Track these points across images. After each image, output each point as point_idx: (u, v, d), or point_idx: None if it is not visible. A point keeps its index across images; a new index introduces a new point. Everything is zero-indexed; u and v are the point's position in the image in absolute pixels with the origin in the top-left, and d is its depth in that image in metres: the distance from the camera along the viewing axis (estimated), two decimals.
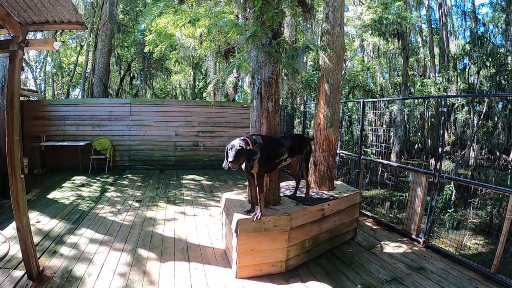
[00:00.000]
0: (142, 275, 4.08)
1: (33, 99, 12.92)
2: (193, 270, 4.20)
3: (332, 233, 4.85)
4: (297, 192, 4.86)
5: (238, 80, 4.98)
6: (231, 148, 3.66)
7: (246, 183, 6.56)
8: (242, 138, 3.81)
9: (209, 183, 9.15)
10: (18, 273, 4.16)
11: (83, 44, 20.05)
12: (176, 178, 9.59)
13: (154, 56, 12.57)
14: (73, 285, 3.88)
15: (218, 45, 6.52)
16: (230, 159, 3.60)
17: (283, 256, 4.16)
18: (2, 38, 4.32)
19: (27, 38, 3.96)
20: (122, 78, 22.39)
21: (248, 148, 3.69)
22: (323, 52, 5.19)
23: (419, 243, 5.17)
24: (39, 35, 16.47)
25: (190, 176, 9.85)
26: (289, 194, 4.86)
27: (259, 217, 3.87)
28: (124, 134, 11.11)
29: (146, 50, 11.45)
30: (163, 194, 7.77)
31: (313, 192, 5.05)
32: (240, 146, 3.63)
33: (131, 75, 22.90)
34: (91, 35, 16.59)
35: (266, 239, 4.04)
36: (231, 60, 5.38)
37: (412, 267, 4.44)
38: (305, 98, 16.21)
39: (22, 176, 3.97)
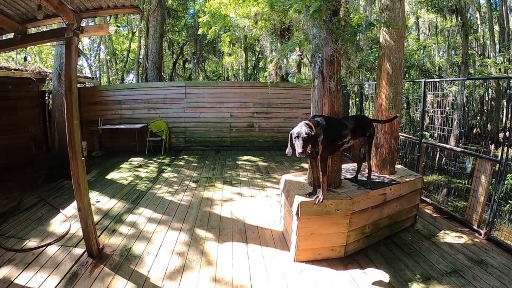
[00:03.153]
0: (200, 255, 4.11)
1: (89, 86, 13.38)
2: (251, 252, 4.19)
3: (392, 219, 4.64)
4: (358, 175, 4.64)
5: (301, 58, 4.76)
6: (298, 137, 3.48)
7: (302, 165, 6.30)
8: (305, 122, 3.63)
9: (265, 164, 9.08)
10: (79, 250, 4.34)
11: (134, 31, 20.56)
12: (231, 159, 9.62)
13: (208, 37, 12.64)
14: (132, 263, 3.99)
15: (273, 24, 6.34)
16: (299, 150, 3.43)
17: (343, 241, 4.04)
18: (57, 27, 4.41)
19: (81, 25, 4.03)
20: (175, 62, 22.81)
21: (313, 133, 3.51)
22: (384, 29, 4.88)
23: (480, 234, 4.83)
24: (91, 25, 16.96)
25: (245, 157, 9.86)
26: (350, 177, 4.68)
27: (321, 200, 3.74)
28: (179, 116, 11.29)
29: (200, 32, 11.47)
30: (219, 175, 7.82)
31: (374, 175, 4.85)
32: (306, 134, 3.47)
33: (184, 58, 23.18)
34: (142, 21, 16.87)
35: (327, 223, 3.93)
36: (292, 39, 5.16)
37: (472, 259, 4.15)
38: (360, 78, 15.69)
39: (83, 158, 4.04)
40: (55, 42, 7.91)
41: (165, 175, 7.88)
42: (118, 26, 15.13)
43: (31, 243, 4.60)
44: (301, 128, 3.51)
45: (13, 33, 4.40)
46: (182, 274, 3.70)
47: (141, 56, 18.19)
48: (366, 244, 4.33)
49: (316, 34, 4.01)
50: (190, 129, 11.36)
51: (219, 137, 11.41)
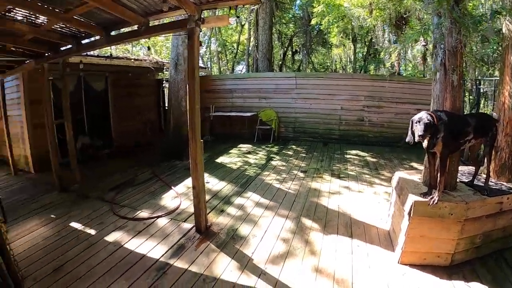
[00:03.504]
0: (304, 244, 4.17)
1: (202, 74, 14.21)
2: (355, 247, 4.13)
3: (506, 232, 4.17)
4: (474, 179, 4.29)
5: (426, 49, 4.53)
6: (419, 121, 3.38)
7: (412, 164, 6.02)
8: (428, 112, 3.48)
9: (374, 160, 8.81)
10: (187, 225, 4.74)
11: (243, 24, 21.15)
12: (339, 152, 9.52)
13: (321, 28, 12.57)
14: (237, 243, 4.22)
15: (388, 13, 6.09)
16: (420, 132, 3.34)
17: (451, 248, 3.76)
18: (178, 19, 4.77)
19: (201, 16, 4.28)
20: (284, 53, 23.00)
21: (434, 122, 3.37)
22: (508, 18, 4.37)
23: None
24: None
25: (353, 151, 9.67)
26: (466, 180, 4.33)
27: (436, 201, 3.56)
28: (289, 107, 11.45)
29: (313, 22, 11.48)
30: (327, 167, 7.80)
31: (491, 182, 4.40)
32: (428, 119, 3.35)
33: (293, 50, 23.27)
34: (251, 14, 17.29)
35: (438, 227, 3.70)
36: (415, 28, 4.92)
37: None
38: (476, 73, 14.26)
39: (201, 140, 4.34)
40: (170, 35, 8.58)
41: (273, 163, 8.11)
42: (237, 17, 15.77)
43: (143, 213, 5.20)
44: (422, 115, 3.40)
45: (136, 26, 4.86)
46: (285, 260, 3.80)
47: (251, 48, 18.82)
48: (474, 255, 3.95)
49: (438, 23, 3.79)
50: (299, 119, 11.44)
51: (328, 129, 11.30)
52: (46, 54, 6.66)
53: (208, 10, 5.02)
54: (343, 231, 4.52)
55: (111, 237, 4.56)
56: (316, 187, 6.19)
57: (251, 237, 4.34)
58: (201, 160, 4.44)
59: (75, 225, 5.05)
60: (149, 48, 14.80)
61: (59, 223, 5.09)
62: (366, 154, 9.39)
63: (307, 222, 4.76)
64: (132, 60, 11.39)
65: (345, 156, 9.09)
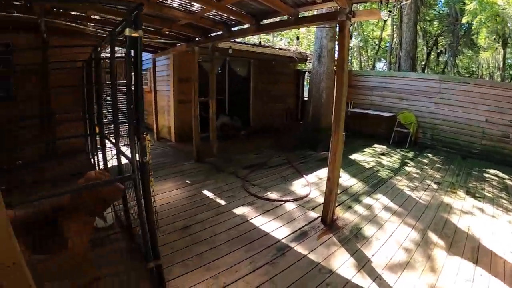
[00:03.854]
0: (426, 258, 4.04)
1: None
2: (477, 276, 3.87)
3: None
4: None
5: None
6: None
7: None
8: None
9: None
10: (313, 214, 4.94)
11: (386, 19, 20.17)
12: (478, 169, 8.70)
13: (472, 28, 11.51)
14: (359, 242, 4.29)
15: None
16: None
17: None
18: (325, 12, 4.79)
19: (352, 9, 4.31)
20: (429, 53, 21.48)
21: None
22: None
23: None
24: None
25: (493, 171, 8.74)
26: None
27: None
28: (430, 112, 10.77)
29: (464, 21, 10.57)
30: (463, 183, 7.25)
31: None
32: None
33: (438, 50, 21.58)
34: (395, 9, 16.43)
35: None
36: None
37: None
38: None
39: (343, 134, 4.46)
40: (315, 27, 8.64)
41: (407, 168, 7.88)
42: (389, 11, 15.13)
43: (272, 195, 5.59)
44: None
45: (286, 16, 5.11)
46: (403, 270, 3.75)
47: (393, 45, 17.99)
48: None
49: None
50: (439, 127, 10.69)
51: (469, 142, 10.28)
52: (197, 38, 7.32)
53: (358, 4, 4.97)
54: (469, 255, 4.25)
55: (239, 211, 5.05)
56: (448, 202, 5.87)
57: (374, 239, 4.37)
58: (341, 153, 4.60)
59: (207, 193, 5.74)
60: (298, 38, 15.22)
61: (193, 189, 5.72)
62: (507, 177, 8.39)
63: (433, 236, 4.59)
64: (277, 49, 11.93)
65: (484, 174, 8.31)
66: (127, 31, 2.50)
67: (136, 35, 2.52)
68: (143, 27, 2.88)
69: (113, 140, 3.81)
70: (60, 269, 2.90)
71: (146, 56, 10.09)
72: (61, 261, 2.94)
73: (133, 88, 2.55)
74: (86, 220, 2.84)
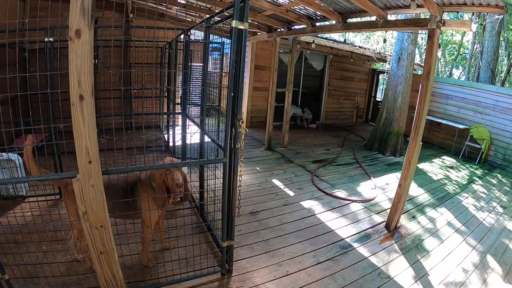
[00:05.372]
0: (481, 282, 3.96)
1: (417, 73, 13.60)
2: None
3: None
4: None
5: None
6: None
7: None
8: None
9: None
10: (378, 218, 5.04)
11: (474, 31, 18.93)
12: None
13: None
14: (419, 253, 4.30)
15: None
16: None
17: None
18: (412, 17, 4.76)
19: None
20: (510, 67, 19.90)
21: None
22: None
23: None
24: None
25: None
26: None
27: None
28: (505, 129, 10.11)
29: None
30: None
31: None
32: None
33: None
34: (478, 16, 15.45)
35: None
36: None
37: None
38: None
39: (421, 143, 4.52)
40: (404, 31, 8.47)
41: (474, 186, 7.60)
42: (481, 24, 14.17)
43: (339, 193, 5.70)
44: None
45: (374, 17, 5.10)
46: None
47: (473, 53, 17.00)
48: None
49: None
50: None
51: None
52: (279, 30, 7.48)
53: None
54: None
55: (306, 204, 5.23)
56: (511, 228, 5.64)
57: (434, 253, 4.36)
58: (415, 162, 4.60)
59: (276, 182, 5.97)
60: (385, 41, 14.97)
61: (262, 176, 5.99)
62: None
63: (492, 261, 4.47)
64: (357, 47, 11.87)
65: None
66: (234, 23, 2.64)
67: (242, 27, 2.68)
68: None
69: (197, 122, 4.14)
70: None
71: (225, 41, 10.39)
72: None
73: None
74: (156, 198, 3.12)
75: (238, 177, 3.07)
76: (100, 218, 2.41)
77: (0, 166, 4.35)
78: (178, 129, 7.00)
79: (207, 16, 3.82)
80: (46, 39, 4.41)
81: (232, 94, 2.76)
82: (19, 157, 4.69)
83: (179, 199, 3.18)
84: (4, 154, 4.52)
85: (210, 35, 3.71)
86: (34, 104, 3.38)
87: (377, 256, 4.07)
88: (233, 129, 2.80)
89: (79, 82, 2.09)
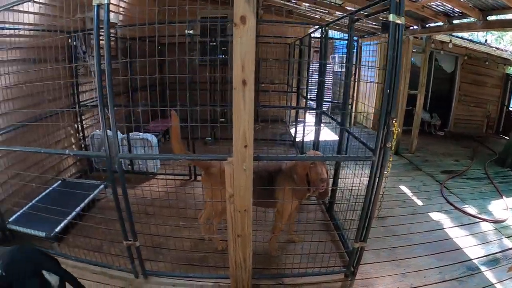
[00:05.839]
0: None
1: None
2: None
3: None
4: None
5: None
6: None
7: None
8: None
9: None
10: (507, 242, 4.41)
11: None
12: None
13: None
14: None
15: None
16: None
17: None
18: None
19: None
20: None
21: None
22: None
23: None
24: None
25: None
26: None
27: None
28: None
29: None
30: None
31: None
32: None
33: None
34: None
35: None
36: None
37: None
38: None
39: None
40: None
41: None
42: None
43: (469, 209, 5.19)
44: None
45: (472, 18, 4.80)
46: None
47: None
48: None
49: None
50: None
51: None
52: (411, 27, 7.03)
53: None
54: None
55: (435, 216, 4.90)
56: None
57: None
58: None
59: (404, 189, 5.75)
60: (485, 41, 13.49)
61: (389, 181, 5.62)
62: None
63: None
64: (494, 49, 10.79)
65: None
66: (391, 17, 2.51)
67: (399, 21, 2.53)
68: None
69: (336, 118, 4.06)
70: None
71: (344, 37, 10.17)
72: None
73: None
74: (296, 189, 3.11)
75: (384, 178, 2.91)
76: (245, 203, 2.45)
77: (137, 144, 4.74)
78: (306, 125, 6.93)
79: (353, 10, 3.69)
80: (186, 32, 4.66)
81: (388, 91, 2.61)
82: (154, 137, 5.08)
83: (318, 194, 3.13)
84: (140, 133, 4.91)
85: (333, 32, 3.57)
86: (171, 92, 3.59)
87: (503, 285, 3.62)
88: (385, 127, 2.65)
89: (243, 67, 2.12)
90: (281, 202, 3.09)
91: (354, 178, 3.54)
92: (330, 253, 3.46)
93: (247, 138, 2.24)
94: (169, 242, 3.46)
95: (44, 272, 1.98)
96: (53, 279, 2.02)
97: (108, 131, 2.56)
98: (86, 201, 4.24)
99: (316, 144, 4.72)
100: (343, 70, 10.53)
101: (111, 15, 5.99)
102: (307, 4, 6.83)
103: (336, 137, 5.53)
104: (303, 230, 3.68)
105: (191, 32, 4.71)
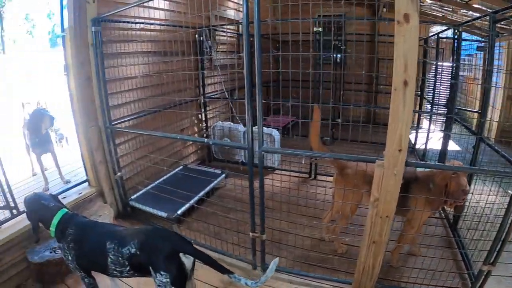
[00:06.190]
0: None
1: None
2: None
3: None
4: None
5: None
6: None
7: None
8: None
9: None
10: None
11: None
12: None
13: None
14: None
15: None
16: None
17: None
18: None
19: None
20: None
21: None
22: None
23: None
24: None
25: None
26: None
27: None
28: None
29: None
30: None
31: None
32: None
33: None
34: None
35: None
36: None
37: None
38: None
39: None
40: None
41: None
42: None
43: None
44: None
45: None
46: None
47: None
48: None
49: None
50: None
51: None
52: None
53: None
54: None
55: None
56: None
57: None
58: None
59: None
60: None
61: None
62: None
63: None
64: None
65: None
66: None
67: None
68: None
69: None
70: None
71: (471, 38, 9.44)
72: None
73: None
74: (430, 200, 2.93)
75: None
76: (390, 209, 2.37)
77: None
78: (425, 131, 6.57)
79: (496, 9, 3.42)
80: (315, 29, 4.67)
81: None
82: (276, 132, 5.18)
83: (454, 207, 2.96)
84: (264, 128, 5.06)
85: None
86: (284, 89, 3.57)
87: None
88: None
89: (405, 66, 2.05)
90: (414, 211, 2.94)
91: (489, 195, 3.24)
92: (451, 273, 3.20)
93: (402, 142, 2.15)
94: (288, 238, 3.47)
95: (180, 254, 2.06)
96: (188, 261, 2.10)
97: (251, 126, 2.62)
98: (208, 188, 4.43)
99: (443, 153, 4.42)
100: (466, 73, 9.80)
101: (231, 12, 6.23)
102: (429, 1, 6.49)
103: (457, 147, 5.14)
104: (425, 244, 3.49)
105: (320, 29, 4.70)
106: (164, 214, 3.85)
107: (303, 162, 5.16)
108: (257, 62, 2.46)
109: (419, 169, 3.10)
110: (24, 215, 3.35)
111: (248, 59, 2.52)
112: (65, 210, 2.42)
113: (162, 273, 1.99)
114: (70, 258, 2.30)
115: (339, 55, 6.85)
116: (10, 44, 17.57)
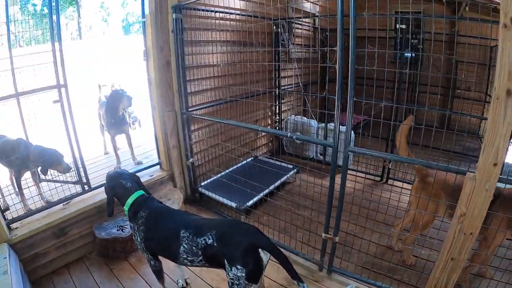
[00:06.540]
0: None
1: None
2: None
3: None
4: None
5: None
6: None
7: None
8: None
9: None
10: None
11: None
12: None
13: None
14: None
15: None
16: None
17: None
18: None
19: None
20: None
21: None
22: None
23: None
24: None
25: None
26: None
27: None
28: None
29: None
30: None
31: None
32: None
33: None
34: None
35: None
36: None
37: None
38: None
39: None
40: None
41: None
42: None
43: None
44: None
45: None
46: None
47: None
48: None
49: None
50: None
51: None
52: None
53: None
54: None
55: None
56: None
57: None
58: None
59: None
60: None
61: None
62: None
63: None
64: None
65: None
66: None
67: None
68: None
69: None
70: None
71: None
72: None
73: None
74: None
75: None
76: (475, 225, 2.19)
77: (330, 135, 4.73)
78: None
79: None
80: (398, 26, 4.44)
81: None
82: (352, 131, 5.04)
83: None
84: (332, 124, 4.93)
85: None
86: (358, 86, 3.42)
87: None
88: None
89: (510, 74, 1.85)
90: (493, 230, 2.70)
91: None
92: None
93: (499, 156, 1.97)
94: (355, 241, 3.36)
95: (259, 250, 2.04)
96: (266, 257, 2.08)
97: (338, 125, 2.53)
98: (279, 182, 4.41)
99: None
100: None
101: (308, 5, 6.11)
102: None
103: None
104: (494, 266, 3.20)
105: (403, 26, 4.49)
106: (233, 204, 3.87)
107: (390, 167, 4.93)
108: (351, 58, 2.36)
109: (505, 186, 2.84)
110: (95, 191, 3.58)
111: (342, 54, 2.43)
112: (141, 192, 2.50)
113: (239, 267, 1.97)
114: (139, 239, 2.38)
115: (414, 55, 6.51)
116: (86, 30, 18.84)
